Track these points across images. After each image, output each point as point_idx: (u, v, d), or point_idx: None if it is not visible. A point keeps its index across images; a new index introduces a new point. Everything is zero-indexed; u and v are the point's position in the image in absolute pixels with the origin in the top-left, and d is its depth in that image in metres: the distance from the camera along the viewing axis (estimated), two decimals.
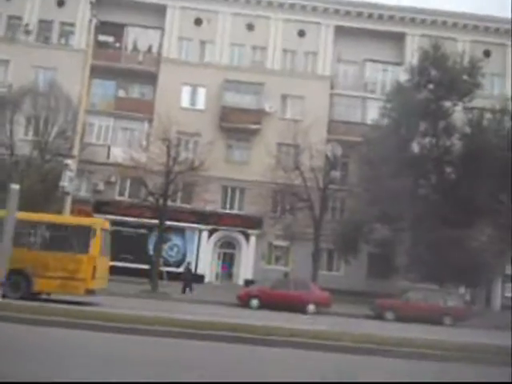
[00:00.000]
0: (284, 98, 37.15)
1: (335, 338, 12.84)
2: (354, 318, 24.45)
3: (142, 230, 34.53)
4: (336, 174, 33.79)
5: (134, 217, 32.22)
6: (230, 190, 36.21)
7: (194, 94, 37.31)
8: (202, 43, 38.08)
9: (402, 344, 12.75)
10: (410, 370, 10.90)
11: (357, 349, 12.05)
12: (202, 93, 37.20)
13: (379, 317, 25.36)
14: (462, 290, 32.66)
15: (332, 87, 37.58)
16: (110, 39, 37.36)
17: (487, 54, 37.96)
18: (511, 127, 30.73)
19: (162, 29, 37.60)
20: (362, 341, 12.72)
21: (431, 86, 31.20)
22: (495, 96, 35.88)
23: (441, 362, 11.68)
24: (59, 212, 27.91)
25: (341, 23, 38.13)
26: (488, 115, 32.08)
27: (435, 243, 29.05)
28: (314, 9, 38.10)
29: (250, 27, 37.99)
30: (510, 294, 35.33)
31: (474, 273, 29.42)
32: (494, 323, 26.51)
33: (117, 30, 37.24)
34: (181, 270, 34.22)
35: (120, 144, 35.40)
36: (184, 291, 27.90)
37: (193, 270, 30.82)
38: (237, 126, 35.93)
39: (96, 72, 33.50)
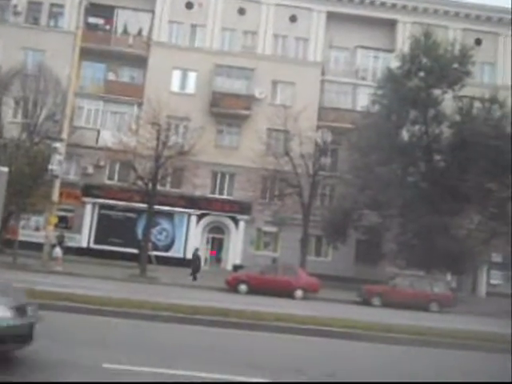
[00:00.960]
0: (275, 83, 37.02)
1: (322, 323, 12.97)
2: (341, 303, 24.66)
3: (131, 214, 34.47)
4: (326, 160, 33.89)
5: (123, 201, 32.08)
6: (219, 175, 36.16)
7: (184, 78, 37.07)
8: (193, 27, 37.76)
9: (387, 330, 12.91)
10: (395, 354, 11.05)
11: (343, 334, 12.20)
12: (192, 77, 36.98)
13: (366, 303, 25.58)
14: (448, 276, 32.96)
15: (323, 73, 37.48)
16: (100, 21, 36.97)
17: (478, 42, 37.98)
18: (500, 116, 30.84)
19: (152, 12, 37.21)
20: (349, 326, 12.87)
21: (422, 74, 31.20)
22: (485, 84, 36.00)
23: (424, 347, 11.86)
24: (48, 195, 27.90)
25: (332, 9, 37.92)
26: (478, 104, 32.18)
27: (423, 230, 29.33)
28: None
29: (242, 11, 37.73)
30: (495, 282, 35.74)
31: (461, 260, 29.70)
32: (480, 310, 26.92)
33: (107, 12, 36.84)
34: (169, 254, 34.42)
35: (109, 128, 35.17)
36: (195, 278, 27.90)
37: (201, 257, 30.76)
38: (227, 111, 35.81)
39: (85, 54, 33.28)
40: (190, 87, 36.88)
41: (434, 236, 28.83)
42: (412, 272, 29.04)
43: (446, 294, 26.59)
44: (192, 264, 29.04)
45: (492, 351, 12.00)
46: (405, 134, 32.20)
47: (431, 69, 30.63)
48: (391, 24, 38.63)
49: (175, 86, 36.66)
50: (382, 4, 38.33)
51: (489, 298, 34.25)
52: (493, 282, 35.91)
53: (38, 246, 28.95)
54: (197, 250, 30.65)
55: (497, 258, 34.04)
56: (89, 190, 34.70)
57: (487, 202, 28.23)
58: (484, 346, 12.34)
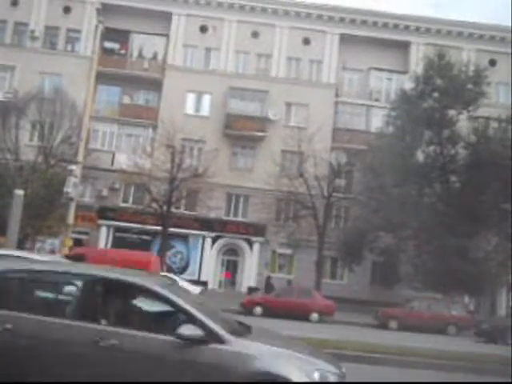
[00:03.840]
0: (288, 105, 37.18)
1: (338, 346, 12.79)
2: (357, 326, 24.39)
3: (146, 237, 34.48)
4: (340, 181, 33.77)
5: (138, 223, 32.20)
6: (234, 197, 36.17)
7: (198, 100, 37.36)
8: (208, 50, 38.17)
9: (404, 353, 12.70)
10: (412, 379, 10.84)
11: (360, 357, 12.01)
12: (206, 100, 37.27)
13: (383, 326, 25.27)
14: (466, 299, 32.50)
15: (337, 95, 37.60)
16: (116, 46, 37.49)
17: (492, 63, 37.93)
18: None
19: (167, 36, 37.72)
20: (365, 350, 12.67)
21: (436, 95, 31.12)
22: (500, 105, 35.87)
23: (444, 372, 11.63)
24: (63, 217, 28.02)
25: (346, 31, 38.19)
26: (493, 124, 31.99)
27: (439, 252, 29.00)
28: (319, 17, 38.18)
29: (255, 35, 38.08)
30: None
31: (479, 282, 29.28)
32: None
33: (122, 36, 37.38)
34: (184, 277, 34.28)
35: (124, 150, 35.42)
36: None
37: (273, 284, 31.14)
38: (241, 133, 35.96)
39: (101, 78, 33.64)
40: (205, 110, 37.13)
41: (450, 258, 28.46)
42: (429, 294, 28.71)
43: (464, 317, 26.22)
44: (266, 289, 29.58)
45: (503, 376, 11.73)
46: (420, 155, 32.02)
47: (445, 89, 30.53)
48: (404, 45, 38.74)
49: (190, 109, 36.94)
50: (395, 26, 38.49)
51: (507, 320, 33.63)
52: None
53: None
54: (269, 277, 30.88)
55: None
56: (104, 213, 34.83)
57: (504, 223, 27.88)
58: (498, 370, 12.08)
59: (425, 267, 29.91)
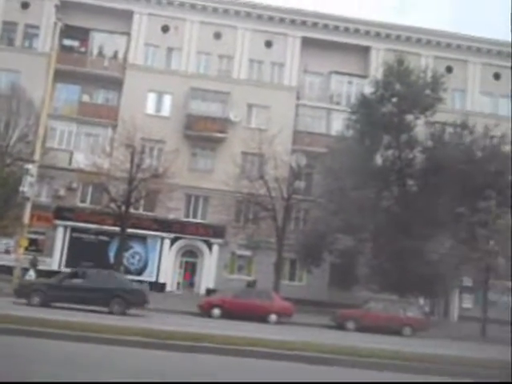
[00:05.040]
0: (250, 107, 37.23)
1: (295, 347, 12.84)
2: (315, 327, 24.55)
3: (104, 237, 34.04)
4: (300, 184, 33.93)
5: (96, 224, 31.75)
6: (193, 199, 36.02)
7: (159, 100, 37.09)
8: (169, 50, 37.92)
9: (359, 354, 12.83)
10: (367, 379, 10.97)
11: (317, 358, 12.08)
12: (167, 100, 37.03)
13: (340, 327, 25.50)
14: (421, 300, 33.11)
15: (298, 98, 37.84)
16: (76, 43, 36.97)
17: (449, 69, 38.79)
18: (470, 141, 31.36)
19: (128, 34, 37.32)
20: (322, 351, 12.76)
21: (395, 100, 31.64)
22: (456, 111, 36.70)
23: (397, 373, 11.79)
24: (19, 217, 27.44)
25: (307, 35, 38.45)
26: (449, 129, 32.71)
27: (396, 254, 29.46)
28: (282, 20, 38.36)
29: (217, 36, 38.03)
30: (467, 305, 35.98)
31: (433, 284, 29.87)
32: (452, 334, 27.04)
33: (82, 34, 36.83)
34: (142, 278, 34.01)
35: (83, 149, 34.89)
36: None
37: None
38: (202, 134, 35.85)
39: (60, 76, 33.13)
40: (165, 110, 36.88)
41: (406, 260, 28.98)
42: (385, 296, 29.11)
43: (419, 318, 26.65)
44: None
45: (458, 376, 11.99)
46: (378, 159, 32.48)
47: (404, 95, 31.07)
48: (365, 50, 39.26)
49: (150, 109, 36.64)
50: (356, 31, 38.97)
51: (460, 321, 34.46)
52: (464, 305, 36.18)
53: (8, 270, 28.39)
54: (254, 281, 30.54)
55: (468, 282, 34.30)
56: (61, 213, 34.25)
57: (458, 226, 28.50)
58: (451, 370, 12.32)
59: (382, 269, 30.34)
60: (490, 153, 30.76)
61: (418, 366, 12.37)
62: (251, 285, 30.61)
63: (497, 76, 39.96)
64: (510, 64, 39.19)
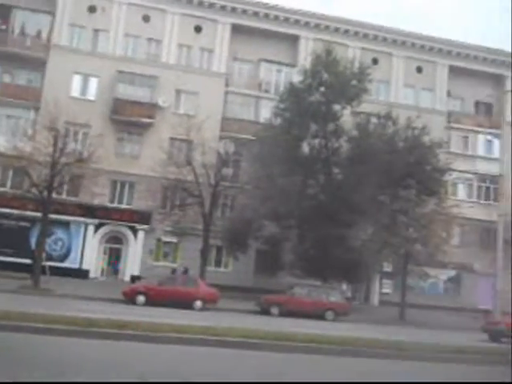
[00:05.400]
0: (178, 92, 36.86)
1: (219, 333, 12.97)
2: (240, 313, 24.80)
3: (25, 223, 32.94)
4: (228, 171, 33.98)
5: (16, 209, 30.72)
6: (119, 184, 35.39)
7: (84, 83, 36.06)
8: (96, 32, 36.90)
9: (283, 338, 13.10)
10: (292, 363, 11.22)
11: (240, 343, 12.25)
12: (93, 83, 36.08)
13: (265, 312, 25.87)
14: (344, 286, 34.06)
15: (227, 85, 37.77)
16: None
17: (375, 61, 39.83)
18: (393, 132, 32.35)
19: (52, 14, 36.00)
20: (246, 336, 12.94)
21: (322, 89, 32.13)
22: (381, 102, 37.69)
23: (322, 355, 12.14)
24: None
25: (237, 21, 38.41)
26: (374, 120, 33.58)
27: (320, 241, 30.13)
28: (211, 5, 38.09)
29: (146, 19, 37.35)
30: (387, 291, 37.30)
31: (356, 269, 30.79)
32: (372, 318, 28.02)
33: (3, 11, 35.25)
34: (65, 265, 33.25)
35: (3, 132, 33.57)
36: None
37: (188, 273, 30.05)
38: (129, 118, 35.19)
39: None
40: (91, 93, 35.96)
41: (330, 246, 29.71)
42: (309, 281, 29.77)
43: (341, 303, 27.46)
44: None
45: (376, 357, 12.49)
46: (305, 147, 32.99)
47: (331, 84, 31.62)
48: (294, 39, 39.62)
49: (75, 92, 35.62)
50: (286, 19, 39.25)
51: (381, 306, 35.70)
52: (384, 290, 37.50)
53: None
54: (186, 269, 29.96)
55: (388, 267, 35.55)
56: None
57: (380, 213, 29.39)
58: (370, 352, 12.82)
59: (306, 255, 30.95)
60: (411, 144, 31.83)
61: (337, 348, 12.80)
62: (185, 272, 30.33)
63: (419, 69, 41.40)
64: (431, 58, 40.89)
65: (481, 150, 40.79)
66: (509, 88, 38.11)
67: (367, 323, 25.56)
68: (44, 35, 35.96)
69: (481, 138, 40.90)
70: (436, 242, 29.23)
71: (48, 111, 27.70)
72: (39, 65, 35.28)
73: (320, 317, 25.77)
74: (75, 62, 35.18)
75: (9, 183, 33.73)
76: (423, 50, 41.16)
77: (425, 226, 28.62)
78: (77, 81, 35.85)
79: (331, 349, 12.68)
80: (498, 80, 42.00)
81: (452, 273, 39.03)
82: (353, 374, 10.41)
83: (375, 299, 37.55)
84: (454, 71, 41.41)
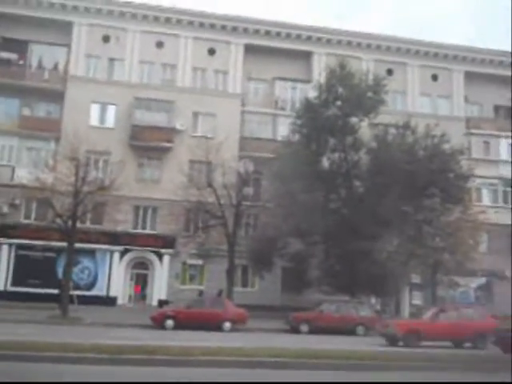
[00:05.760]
0: (195, 115, 37.10)
1: (250, 354, 12.83)
2: (269, 332, 24.60)
3: (51, 254, 33.22)
4: (249, 190, 33.95)
5: (42, 240, 30.99)
6: (141, 210, 35.57)
7: (103, 112, 36.49)
8: (111, 60, 37.43)
9: (315, 356, 12.92)
10: (325, 379, 11.05)
11: (272, 363, 12.10)
12: (111, 111, 36.49)
13: (294, 330, 25.63)
14: (372, 299, 33.63)
15: (243, 105, 37.93)
16: (13, 56, 35.97)
17: (390, 72, 39.76)
18: (412, 141, 32.12)
19: (68, 46, 36.64)
20: (277, 355, 12.78)
21: (338, 103, 32.12)
22: (398, 112, 37.51)
23: (355, 372, 11.95)
24: None
25: (250, 41, 38.68)
26: (392, 130, 33.41)
27: (345, 255, 29.86)
28: (223, 27, 38.45)
29: (160, 45, 37.79)
30: (417, 302, 36.77)
31: (383, 282, 30.41)
32: None
33: (20, 46, 35.96)
34: (92, 293, 33.35)
35: (25, 164, 34.06)
36: None
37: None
38: (148, 144, 35.46)
39: None
40: (110, 121, 36.34)
41: (356, 260, 29.42)
42: (338, 297, 29.45)
43: (371, 317, 27.07)
44: None
45: (416, 370, 12.27)
46: (325, 162, 32.90)
47: (347, 98, 31.59)
48: (307, 55, 39.75)
49: (94, 120, 36.04)
50: (298, 36, 39.43)
51: (411, 318, 35.10)
52: (414, 302, 36.97)
53: None
54: (221, 291, 29.90)
55: (416, 279, 35.07)
56: (4, 231, 33.20)
57: (404, 224, 29.08)
58: (400, 365, 12.61)
59: (332, 271, 30.70)
60: (432, 152, 31.57)
61: (372, 363, 12.58)
62: (219, 294, 29.93)
63: (434, 77, 41.20)
64: (446, 65, 40.67)
65: (503, 154, 40.27)
66: None
67: None
68: (61, 67, 36.56)
69: (502, 142, 40.40)
70: (464, 249, 28.81)
71: (68, 141, 28.02)
72: (58, 96, 35.80)
73: (350, 332, 25.45)
74: (92, 92, 35.64)
75: (33, 215, 34.05)
76: (437, 57, 41.00)
77: (451, 234, 28.22)
78: (95, 110, 36.28)
79: (365, 364, 12.47)
80: None
81: (482, 280, 38.35)
82: None
83: (406, 311, 37.00)
84: (470, 77, 41.13)
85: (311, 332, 25.08)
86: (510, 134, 40.10)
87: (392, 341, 21.45)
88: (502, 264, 37.11)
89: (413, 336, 21.18)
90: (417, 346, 19.98)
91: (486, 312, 24.26)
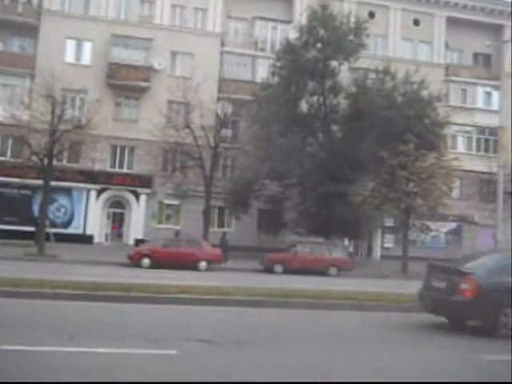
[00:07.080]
0: (174, 54, 36.48)
1: (225, 292, 13.21)
2: (244, 272, 25.14)
3: (27, 191, 33.04)
4: (227, 132, 33.95)
5: (17, 177, 30.77)
6: (119, 149, 35.36)
7: (79, 48, 35.65)
8: None
9: (288, 295, 13.34)
10: (297, 318, 11.47)
11: (245, 301, 12.49)
12: (87, 47, 35.65)
13: (269, 270, 26.21)
14: (346, 241, 34.38)
15: (222, 44, 37.33)
16: None
17: (371, 15, 39.28)
18: (391, 87, 32.13)
19: None
20: (251, 294, 13.18)
21: (319, 45, 31.82)
22: (378, 56, 37.30)
23: (328, 310, 12.39)
24: None
25: None
26: (372, 75, 33.31)
27: (321, 198, 30.31)
28: None
29: None
30: (388, 245, 37.72)
31: (357, 225, 31.07)
32: (375, 273, 28.39)
33: None
34: (69, 231, 33.51)
35: (0, 101, 33.41)
36: (226, 260, 27.27)
37: (229, 241, 30.12)
38: (125, 83, 34.91)
39: None
40: (86, 58, 35.58)
41: (331, 203, 29.93)
42: (312, 239, 30.04)
43: (344, 259, 27.78)
44: (221, 248, 28.09)
45: (384, 310, 12.76)
46: (304, 105, 32.87)
47: (328, 40, 31.32)
48: None
49: (70, 57, 35.24)
50: None
51: (383, 260, 36.11)
52: (386, 245, 37.91)
53: None
54: (225, 234, 29.97)
55: (389, 222, 35.84)
56: None
57: (380, 169, 29.45)
58: (377, 305, 13.07)
59: (308, 213, 31.18)
60: (410, 98, 31.65)
61: (345, 302, 13.04)
62: (223, 238, 30.24)
63: (416, 22, 40.85)
64: (428, 10, 40.30)
65: (480, 102, 40.54)
66: (508, 38, 37.61)
67: (369, 278, 25.90)
68: (35, 1, 35.40)
69: (479, 90, 40.60)
70: (436, 195, 29.33)
71: (43, 78, 27.45)
72: (32, 31, 34.82)
73: (323, 273, 26.13)
74: (68, 27, 34.69)
75: (9, 152, 33.73)
76: (420, 1, 40.52)
77: (425, 179, 28.67)
78: (70, 46, 35.42)
79: (334, 303, 12.91)
80: (496, 30, 41.39)
81: (453, 225, 39.35)
82: (356, 325, 10.70)
83: (377, 254, 37.97)
84: (451, 22, 40.86)
85: (285, 272, 25.67)
86: (487, 82, 40.28)
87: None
88: (472, 210, 38.07)
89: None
90: None
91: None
